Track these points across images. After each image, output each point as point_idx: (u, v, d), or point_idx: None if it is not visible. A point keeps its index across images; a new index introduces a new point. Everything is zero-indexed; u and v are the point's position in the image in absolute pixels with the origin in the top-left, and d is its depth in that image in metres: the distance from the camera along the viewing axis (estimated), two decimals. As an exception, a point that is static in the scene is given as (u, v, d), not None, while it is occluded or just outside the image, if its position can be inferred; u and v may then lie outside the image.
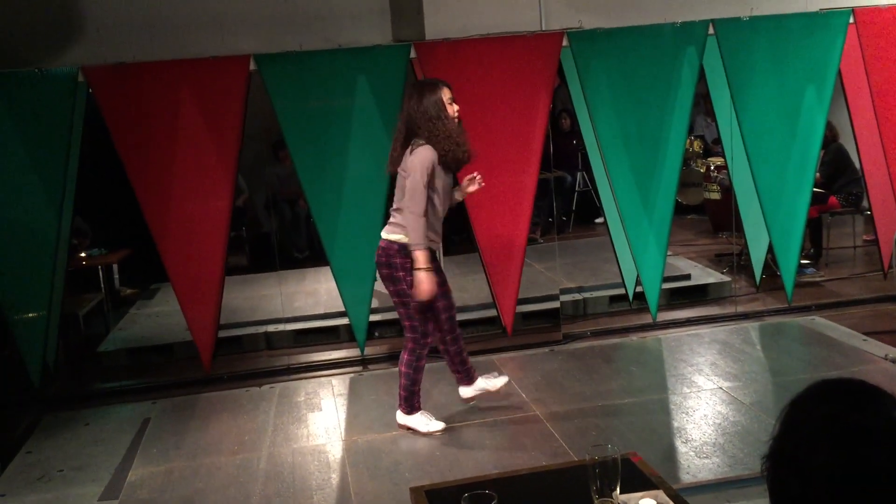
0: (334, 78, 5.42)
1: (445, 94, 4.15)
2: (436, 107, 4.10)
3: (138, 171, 5.28)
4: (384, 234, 4.27)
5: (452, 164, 4.18)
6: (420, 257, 4.07)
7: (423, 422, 4.49)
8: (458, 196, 4.44)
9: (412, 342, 4.35)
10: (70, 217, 5.57)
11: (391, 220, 4.28)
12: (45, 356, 5.48)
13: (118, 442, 4.72)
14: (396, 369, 5.53)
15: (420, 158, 4.06)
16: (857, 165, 6.80)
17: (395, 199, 4.26)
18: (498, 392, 4.65)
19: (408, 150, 4.15)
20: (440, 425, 4.49)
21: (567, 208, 10.05)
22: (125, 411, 5.21)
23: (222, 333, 5.96)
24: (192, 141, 5.31)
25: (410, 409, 4.48)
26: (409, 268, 4.12)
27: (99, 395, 5.60)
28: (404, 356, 4.40)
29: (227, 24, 5.47)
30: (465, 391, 4.63)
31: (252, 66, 5.25)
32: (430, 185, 4.09)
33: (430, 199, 4.12)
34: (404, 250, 4.14)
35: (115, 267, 7.65)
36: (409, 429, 4.50)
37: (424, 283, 4.08)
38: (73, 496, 4.11)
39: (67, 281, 5.74)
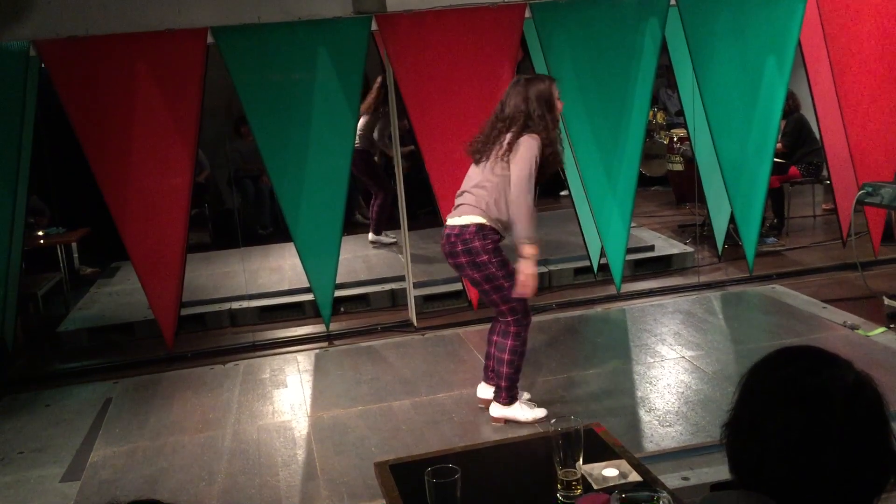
0: (294, 51, 5.34)
1: (555, 91, 3.94)
2: (549, 101, 3.89)
3: (95, 148, 5.17)
4: (454, 221, 3.91)
5: (548, 166, 3.92)
6: (530, 251, 3.79)
7: (525, 411, 4.13)
8: None
9: (515, 325, 3.98)
10: (25, 195, 5.45)
11: (461, 203, 3.92)
12: (4, 336, 5.39)
13: (80, 422, 4.66)
14: (365, 344, 5.57)
15: (528, 147, 3.79)
16: (817, 135, 6.88)
17: (469, 182, 3.95)
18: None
19: (504, 139, 3.85)
20: (543, 412, 4.14)
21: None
22: (86, 391, 5.14)
23: (185, 311, 5.90)
24: (150, 116, 5.22)
25: (511, 399, 4.12)
26: (490, 249, 3.84)
27: (59, 375, 5.52)
28: (508, 342, 4.01)
29: (184, -5, 5.36)
30: (487, 391, 4.32)
31: (210, 40, 5.16)
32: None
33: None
34: (481, 232, 3.83)
35: (74, 246, 7.53)
36: (506, 421, 4.15)
37: (531, 278, 3.81)
38: (34, 478, 4.05)
39: (26, 260, 5.64)
